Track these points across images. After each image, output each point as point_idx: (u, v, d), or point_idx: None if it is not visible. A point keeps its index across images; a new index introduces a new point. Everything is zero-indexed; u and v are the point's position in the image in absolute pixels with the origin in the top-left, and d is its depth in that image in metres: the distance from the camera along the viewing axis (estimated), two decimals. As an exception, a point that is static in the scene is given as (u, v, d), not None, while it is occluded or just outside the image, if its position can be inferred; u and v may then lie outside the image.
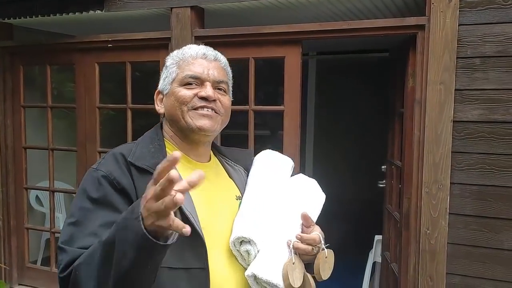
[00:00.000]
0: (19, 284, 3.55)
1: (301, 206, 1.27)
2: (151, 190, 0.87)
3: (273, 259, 1.16)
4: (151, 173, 1.13)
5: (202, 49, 1.27)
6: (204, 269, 1.13)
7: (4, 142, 3.43)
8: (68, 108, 3.59)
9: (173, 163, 0.84)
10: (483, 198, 2.25)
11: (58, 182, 3.65)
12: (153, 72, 2.93)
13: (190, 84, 1.22)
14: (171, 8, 2.78)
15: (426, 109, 2.29)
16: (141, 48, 2.92)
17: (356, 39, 2.58)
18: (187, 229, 0.86)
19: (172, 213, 0.85)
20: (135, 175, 1.14)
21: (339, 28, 2.51)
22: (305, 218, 1.22)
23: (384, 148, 3.42)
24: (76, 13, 2.93)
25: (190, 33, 2.75)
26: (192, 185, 0.85)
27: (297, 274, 1.15)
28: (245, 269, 1.20)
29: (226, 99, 1.27)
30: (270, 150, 1.47)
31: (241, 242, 1.20)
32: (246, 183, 1.37)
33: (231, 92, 1.33)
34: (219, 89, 1.25)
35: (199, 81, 1.22)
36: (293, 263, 1.15)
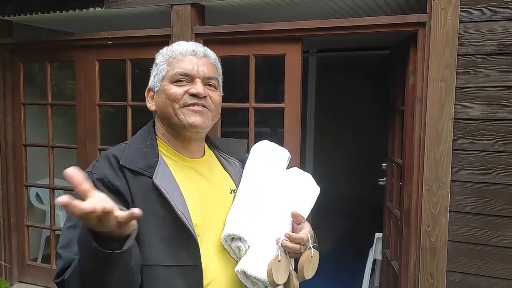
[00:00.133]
0: (20, 282, 3.55)
1: (293, 202, 1.28)
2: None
3: (262, 256, 1.18)
4: (144, 175, 1.15)
5: (191, 45, 1.27)
6: (197, 266, 1.16)
7: (4, 139, 3.43)
8: (68, 106, 3.59)
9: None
10: (483, 196, 2.25)
11: (58, 179, 3.65)
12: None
13: (181, 81, 1.22)
14: (171, 5, 2.77)
15: (427, 107, 2.29)
16: (141, 46, 2.91)
17: (357, 36, 2.58)
18: (136, 211, 0.87)
19: (109, 214, 0.86)
20: (129, 176, 1.15)
21: (340, 25, 2.50)
22: (295, 216, 1.24)
23: (384, 146, 3.42)
24: (76, 10, 2.92)
25: (190, 30, 2.74)
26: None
27: (282, 272, 1.17)
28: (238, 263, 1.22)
29: (216, 95, 1.27)
30: (267, 141, 1.47)
31: (232, 238, 1.22)
32: (241, 175, 1.39)
33: (221, 88, 1.34)
34: (209, 85, 1.26)
35: (189, 78, 1.23)
36: (278, 261, 1.16)
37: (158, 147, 1.26)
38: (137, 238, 1.12)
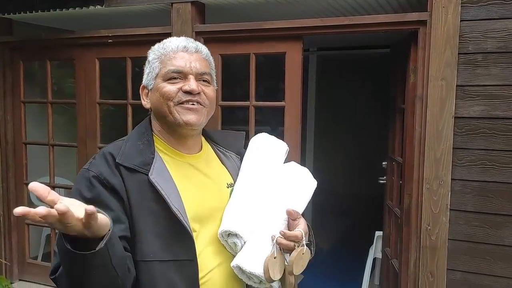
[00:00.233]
0: (20, 280, 3.56)
1: (290, 197, 1.30)
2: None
3: (257, 252, 1.20)
4: (139, 172, 1.16)
5: (182, 41, 1.27)
6: (192, 261, 1.18)
7: (4, 137, 3.43)
8: (68, 104, 3.59)
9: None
10: (484, 194, 2.25)
11: (59, 177, 3.65)
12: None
13: (174, 78, 1.23)
14: (172, 3, 2.77)
15: (428, 105, 2.29)
16: (142, 44, 2.90)
17: (357, 35, 2.57)
18: (89, 208, 0.87)
19: (74, 219, 0.87)
20: (125, 174, 1.17)
21: (341, 23, 2.50)
22: (290, 213, 1.25)
23: (384, 144, 3.42)
24: (76, 8, 2.92)
25: (190, 29, 2.74)
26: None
27: (278, 268, 1.19)
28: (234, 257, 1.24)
29: (210, 90, 1.28)
30: (266, 133, 1.47)
31: (228, 234, 1.24)
32: (239, 169, 1.39)
33: (215, 81, 1.34)
34: (203, 80, 1.26)
35: (182, 75, 1.23)
36: (274, 258, 1.18)
37: (155, 143, 1.27)
38: (133, 234, 1.14)
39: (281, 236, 1.19)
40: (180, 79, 1.23)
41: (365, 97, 6.15)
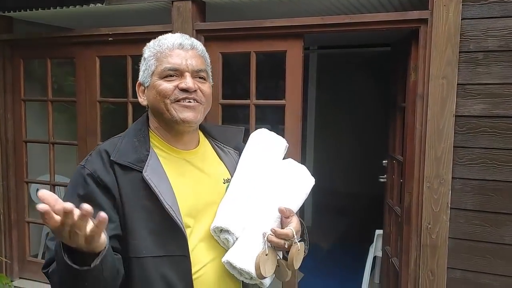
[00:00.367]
0: (20, 278, 3.56)
1: (285, 195, 1.31)
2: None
3: (248, 249, 1.21)
4: (134, 169, 1.18)
5: (178, 38, 1.28)
6: (186, 256, 1.19)
7: (5, 135, 3.43)
8: (69, 102, 3.59)
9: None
10: (484, 193, 2.25)
11: (59, 176, 3.65)
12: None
13: (170, 76, 1.24)
14: (172, 1, 2.76)
15: (428, 104, 2.29)
16: (142, 42, 2.86)
17: (358, 33, 2.57)
18: (102, 215, 0.90)
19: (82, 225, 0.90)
20: (118, 171, 1.18)
21: (341, 22, 2.49)
22: (282, 212, 1.25)
23: (385, 143, 3.42)
24: (77, 6, 2.91)
25: (191, 27, 2.73)
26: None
27: (269, 265, 1.21)
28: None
29: (206, 87, 1.28)
30: (266, 129, 1.48)
31: (220, 230, 1.25)
32: (237, 164, 1.40)
33: (211, 78, 1.35)
34: (199, 77, 1.27)
35: (178, 72, 1.24)
36: (266, 255, 1.20)
37: (151, 140, 1.28)
38: (126, 231, 1.16)
39: (272, 234, 1.20)
40: (176, 76, 1.24)
41: (366, 96, 6.14)
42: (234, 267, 1.22)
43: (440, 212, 2.30)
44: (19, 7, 3.10)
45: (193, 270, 1.21)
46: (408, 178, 2.51)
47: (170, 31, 2.72)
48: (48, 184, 3.52)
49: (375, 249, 3.65)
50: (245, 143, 1.45)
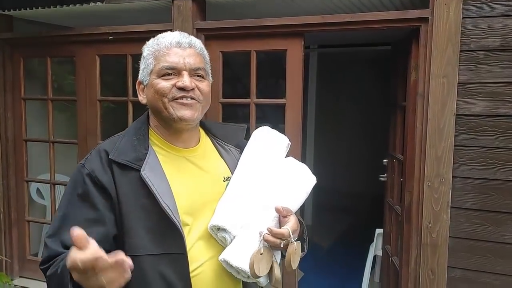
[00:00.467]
0: (20, 277, 3.56)
1: (284, 194, 1.30)
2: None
3: (245, 247, 1.21)
4: (132, 168, 1.19)
5: (176, 37, 1.28)
6: (183, 255, 1.20)
7: (5, 134, 3.43)
8: (69, 101, 3.59)
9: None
10: (485, 192, 2.25)
11: (59, 175, 3.65)
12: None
13: (168, 74, 1.24)
14: (172, 0, 2.76)
15: (429, 103, 2.29)
16: (142, 41, 2.87)
17: (359, 32, 2.57)
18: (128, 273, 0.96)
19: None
20: (116, 171, 1.19)
21: (342, 20, 2.49)
22: (278, 211, 1.25)
23: (385, 142, 3.42)
24: (77, 5, 2.91)
25: (191, 26, 2.73)
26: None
27: (264, 265, 1.20)
28: None
29: (204, 85, 1.28)
30: (267, 127, 1.47)
31: (218, 228, 1.25)
32: (238, 161, 1.40)
33: (210, 75, 1.35)
34: (197, 75, 1.27)
35: (176, 71, 1.24)
36: (260, 254, 1.19)
37: (151, 138, 1.29)
38: (123, 231, 1.17)
39: (268, 233, 1.20)
40: (174, 75, 1.24)
41: (366, 95, 6.15)
42: (231, 266, 1.22)
43: (441, 211, 2.30)
44: (19, 5, 3.09)
45: (191, 268, 1.21)
46: (408, 177, 2.51)
47: (170, 30, 2.74)
48: (48, 183, 3.51)
49: (375, 248, 3.65)
50: (247, 141, 1.45)
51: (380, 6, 2.87)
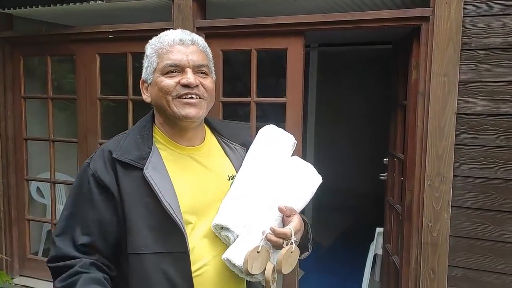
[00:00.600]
0: (20, 275, 3.56)
1: (288, 193, 1.29)
2: None
3: (248, 246, 1.20)
4: (135, 167, 1.20)
5: (178, 34, 1.28)
6: (185, 253, 1.19)
7: (5, 133, 3.42)
8: (69, 100, 3.58)
9: None
10: (485, 191, 2.25)
11: (59, 173, 3.65)
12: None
13: (172, 72, 1.24)
14: (173, -2, 2.76)
15: (430, 101, 2.28)
16: (143, 39, 2.85)
17: (360, 30, 2.56)
18: None
19: None
20: (120, 170, 1.20)
21: (343, 19, 2.49)
22: (282, 210, 1.24)
23: (385, 141, 3.41)
24: (77, 4, 2.90)
25: (191, 24, 2.73)
26: None
27: (258, 263, 1.19)
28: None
29: (208, 82, 1.28)
30: (273, 125, 1.47)
31: (221, 227, 1.25)
32: (243, 160, 1.39)
33: (213, 72, 1.34)
34: (201, 72, 1.27)
35: (179, 68, 1.24)
36: (257, 252, 1.18)
37: (156, 136, 1.29)
38: (126, 229, 1.17)
39: (271, 232, 1.19)
40: (177, 72, 1.24)
41: (366, 93, 6.13)
42: (234, 265, 1.21)
43: (441, 210, 2.30)
44: (19, 4, 3.09)
45: (195, 266, 1.21)
46: (409, 176, 2.51)
47: (171, 28, 2.74)
48: (48, 182, 3.51)
49: (376, 247, 3.64)
50: (253, 139, 1.44)
51: (381, 4, 2.87)
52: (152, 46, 1.29)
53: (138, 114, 3.01)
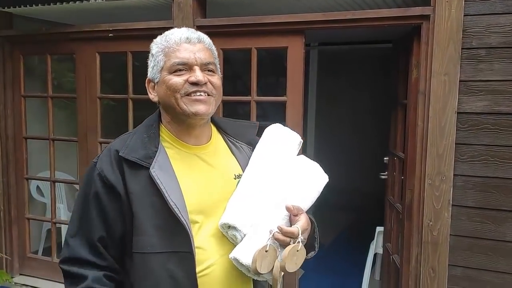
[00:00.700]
0: (20, 274, 3.56)
1: (295, 192, 1.29)
2: None
3: (255, 245, 1.19)
4: (141, 165, 1.19)
5: (184, 33, 1.28)
6: (190, 253, 1.19)
7: (5, 132, 3.42)
8: (69, 98, 3.58)
9: None
10: (486, 190, 2.25)
11: (59, 172, 3.64)
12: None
13: (180, 70, 1.23)
14: (173, -3, 2.75)
15: (430, 100, 2.28)
16: (143, 38, 2.88)
17: (360, 29, 2.56)
18: None
19: None
20: (126, 169, 1.20)
21: (343, 18, 2.48)
22: (289, 209, 1.24)
23: (386, 140, 3.41)
24: (77, 2, 2.90)
25: (192, 23, 2.72)
26: None
27: (266, 263, 1.18)
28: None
29: (216, 79, 1.28)
30: (279, 124, 1.46)
31: (228, 226, 1.24)
32: (250, 159, 1.39)
33: (219, 70, 1.34)
34: (208, 70, 1.27)
35: (187, 66, 1.23)
36: (266, 251, 1.18)
37: (162, 135, 1.29)
38: (134, 228, 1.16)
39: (279, 231, 1.19)
40: (185, 70, 1.23)
41: (367, 92, 6.13)
42: (241, 264, 1.21)
43: (442, 209, 2.29)
44: (19, 3, 3.09)
45: (202, 266, 1.21)
46: (409, 175, 2.51)
47: (171, 27, 2.73)
48: (48, 181, 3.51)
49: (376, 246, 3.64)
50: (259, 138, 1.44)
51: (382, 3, 2.86)
52: (158, 45, 1.29)
53: (138, 113, 3.01)
